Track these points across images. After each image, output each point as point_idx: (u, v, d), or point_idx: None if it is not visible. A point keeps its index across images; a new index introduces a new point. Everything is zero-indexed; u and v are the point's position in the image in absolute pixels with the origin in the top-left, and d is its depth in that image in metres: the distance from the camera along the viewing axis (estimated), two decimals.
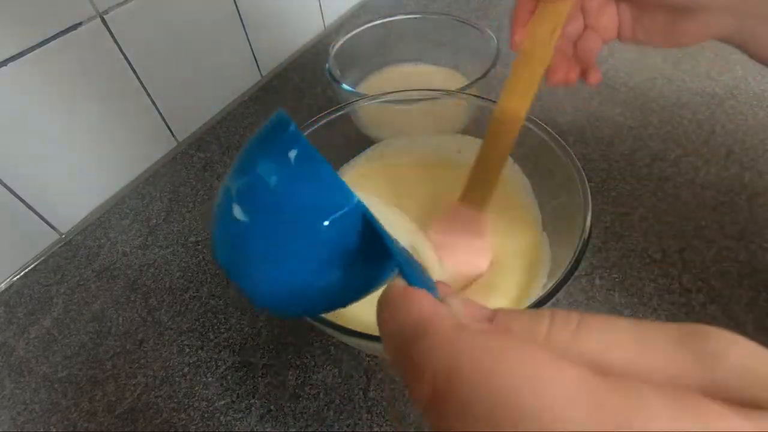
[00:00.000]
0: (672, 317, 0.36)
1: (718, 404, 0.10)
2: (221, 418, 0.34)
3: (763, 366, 0.10)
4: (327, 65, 0.46)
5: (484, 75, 0.43)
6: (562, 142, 0.32)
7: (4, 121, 0.39)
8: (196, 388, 0.35)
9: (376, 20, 0.51)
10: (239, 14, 0.57)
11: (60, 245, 0.46)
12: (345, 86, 0.43)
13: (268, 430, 0.33)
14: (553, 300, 0.25)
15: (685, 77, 0.56)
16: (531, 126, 0.34)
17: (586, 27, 0.32)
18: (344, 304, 0.19)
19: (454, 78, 0.52)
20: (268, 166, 0.16)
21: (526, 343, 0.11)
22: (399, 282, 0.14)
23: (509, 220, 0.35)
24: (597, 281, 0.38)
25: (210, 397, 0.35)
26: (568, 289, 0.38)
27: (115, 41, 0.45)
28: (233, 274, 0.19)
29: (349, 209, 0.16)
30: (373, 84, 0.53)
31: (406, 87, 0.38)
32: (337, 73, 0.47)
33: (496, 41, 0.47)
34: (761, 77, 0.54)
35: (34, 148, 0.42)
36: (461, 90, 0.42)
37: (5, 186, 0.41)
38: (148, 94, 0.50)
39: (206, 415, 0.34)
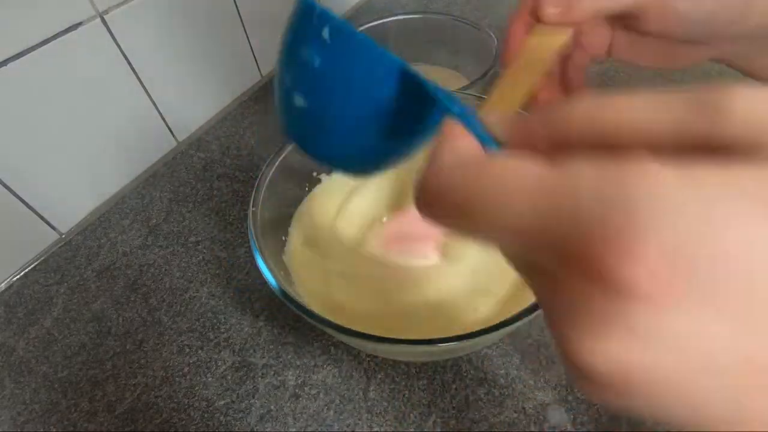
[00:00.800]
0: None
1: (649, 160, 0.10)
2: (221, 418, 0.34)
3: None
4: None
5: (484, 75, 0.43)
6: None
7: (4, 121, 0.39)
8: (196, 388, 0.35)
9: (376, 20, 0.51)
10: (239, 14, 0.57)
11: (60, 245, 0.46)
12: None
13: (268, 430, 0.33)
14: None
15: (685, 77, 0.56)
16: None
17: (575, 45, 0.30)
18: (405, 154, 0.21)
19: (454, 78, 0.52)
20: (309, 51, 0.18)
21: (503, 159, 0.12)
22: (451, 121, 0.15)
23: None
24: None
25: (210, 397, 0.35)
26: None
27: (115, 41, 0.45)
28: (305, 146, 0.21)
29: (389, 67, 0.18)
30: None
31: None
32: None
33: (496, 41, 0.47)
34: None
35: (34, 148, 0.42)
36: (461, 90, 0.42)
37: (5, 186, 0.41)
38: (148, 94, 0.50)
39: (206, 415, 0.34)
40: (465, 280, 0.32)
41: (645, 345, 0.09)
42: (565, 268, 0.10)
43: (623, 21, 0.28)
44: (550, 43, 0.26)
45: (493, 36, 0.47)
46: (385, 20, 0.52)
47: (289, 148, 0.35)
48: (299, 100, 0.19)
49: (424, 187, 0.14)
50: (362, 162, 0.21)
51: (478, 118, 0.16)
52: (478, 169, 0.12)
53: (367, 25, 0.51)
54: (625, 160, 0.10)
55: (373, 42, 0.17)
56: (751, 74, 0.30)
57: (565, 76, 0.31)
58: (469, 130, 0.15)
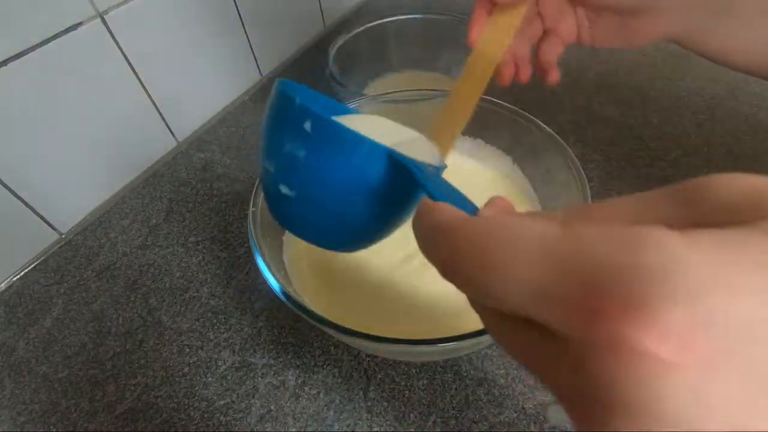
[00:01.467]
0: None
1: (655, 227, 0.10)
2: (221, 418, 0.34)
3: (753, 195, 0.11)
4: (327, 65, 0.46)
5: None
6: (563, 142, 0.32)
7: (4, 121, 0.39)
8: (196, 388, 0.35)
9: (376, 20, 0.51)
10: (239, 14, 0.57)
11: (60, 245, 0.46)
12: (345, 87, 0.43)
13: (268, 430, 0.33)
14: None
15: (685, 77, 0.56)
16: (531, 126, 0.34)
17: (545, 31, 0.34)
18: (395, 227, 0.22)
19: (451, 85, 0.52)
20: (292, 143, 0.18)
21: (511, 217, 0.13)
22: (425, 199, 0.16)
23: None
24: None
25: (210, 397, 0.35)
26: None
27: (115, 41, 0.45)
28: (294, 230, 0.22)
29: (373, 153, 0.18)
30: (374, 90, 0.53)
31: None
32: (337, 73, 0.46)
33: None
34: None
35: (34, 148, 0.42)
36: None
37: (5, 186, 0.41)
38: (148, 94, 0.50)
39: (206, 415, 0.34)
40: None
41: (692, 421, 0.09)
42: (575, 329, 0.10)
43: None
44: (507, 21, 0.30)
45: None
46: (385, 20, 0.52)
47: None
48: (284, 189, 0.19)
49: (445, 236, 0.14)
50: (351, 241, 0.22)
51: (459, 194, 0.18)
52: (496, 223, 0.12)
53: (367, 25, 0.51)
54: (631, 227, 0.10)
55: (356, 132, 0.18)
56: (706, 54, 0.31)
57: (539, 60, 0.34)
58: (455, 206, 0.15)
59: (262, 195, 0.32)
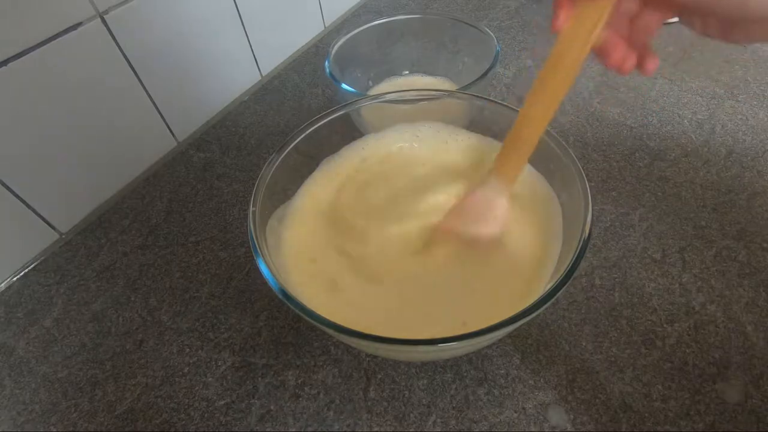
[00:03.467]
0: (672, 317, 0.36)
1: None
2: (221, 418, 0.34)
3: None
4: (327, 65, 0.46)
5: (484, 75, 0.43)
6: (563, 142, 0.32)
7: (4, 121, 0.39)
8: (196, 388, 0.35)
9: (376, 20, 0.51)
10: (239, 14, 0.57)
11: (60, 245, 0.46)
12: (345, 86, 0.43)
13: (268, 430, 0.33)
14: (553, 300, 0.25)
15: (685, 77, 0.56)
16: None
17: (644, 4, 0.28)
18: None
19: (450, 88, 0.52)
20: None
21: None
22: None
23: (531, 213, 0.35)
24: (597, 281, 0.38)
25: (210, 397, 0.35)
26: (568, 289, 0.38)
27: (115, 41, 0.45)
28: None
29: None
30: (383, 88, 0.53)
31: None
32: (337, 73, 0.46)
33: (496, 41, 0.47)
34: (761, 77, 0.54)
35: (34, 148, 0.42)
36: (461, 90, 0.42)
37: (5, 186, 0.41)
38: (148, 94, 0.50)
39: (206, 415, 0.34)
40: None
41: None
42: None
43: None
44: (599, 6, 0.26)
45: (493, 36, 0.47)
46: (384, 20, 0.52)
47: (289, 148, 0.35)
48: None
49: None
50: None
51: None
52: None
53: (366, 25, 0.51)
54: None
55: None
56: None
57: (633, 39, 0.30)
58: None
59: (262, 195, 0.32)
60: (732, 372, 0.33)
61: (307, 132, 0.36)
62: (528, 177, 0.36)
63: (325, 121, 0.37)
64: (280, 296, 0.27)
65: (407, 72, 0.55)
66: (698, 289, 0.37)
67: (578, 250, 0.26)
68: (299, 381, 0.35)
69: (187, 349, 0.37)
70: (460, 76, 0.53)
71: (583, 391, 0.33)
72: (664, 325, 0.35)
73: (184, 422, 0.34)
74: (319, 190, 0.38)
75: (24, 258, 0.45)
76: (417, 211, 0.35)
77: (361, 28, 0.51)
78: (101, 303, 0.41)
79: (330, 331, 0.25)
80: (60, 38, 0.40)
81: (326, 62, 0.46)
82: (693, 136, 0.49)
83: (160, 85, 0.50)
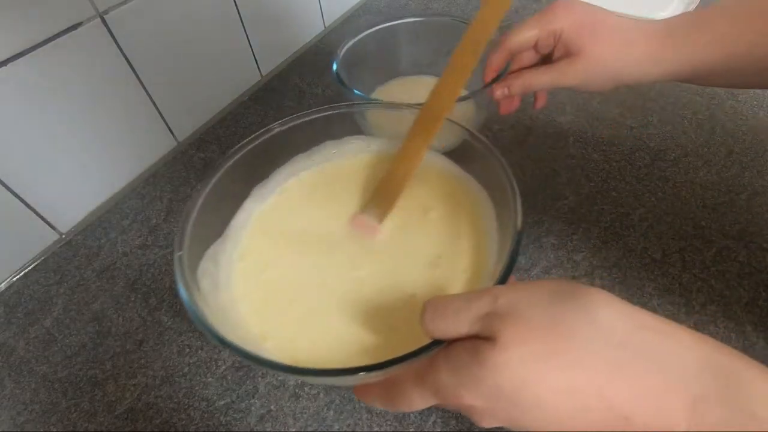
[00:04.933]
0: (672, 317, 0.36)
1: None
2: (221, 418, 0.34)
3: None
4: (334, 69, 0.45)
5: (491, 84, 0.42)
6: (482, 138, 0.31)
7: (4, 121, 0.39)
8: (196, 388, 0.35)
9: (383, 23, 0.51)
10: (239, 14, 0.57)
11: (60, 245, 0.46)
12: (356, 91, 0.42)
13: (268, 430, 0.33)
14: None
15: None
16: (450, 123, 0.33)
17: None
18: None
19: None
20: None
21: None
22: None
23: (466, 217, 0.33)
24: (597, 281, 0.38)
25: (210, 397, 0.35)
26: None
27: (115, 41, 0.45)
28: None
29: None
30: (382, 95, 0.52)
31: (414, 96, 0.37)
32: (345, 76, 0.46)
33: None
34: None
35: (35, 148, 0.42)
36: (469, 95, 0.42)
37: (5, 186, 0.41)
38: (148, 94, 0.50)
39: (206, 415, 0.34)
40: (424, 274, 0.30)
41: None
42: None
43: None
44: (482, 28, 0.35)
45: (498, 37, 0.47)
46: (389, 24, 0.51)
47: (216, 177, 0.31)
48: None
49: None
50: None
51: None
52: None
53: (375, 29, 0.50)
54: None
55: None
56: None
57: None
58: None
59: (188, 236, 0.29)
60: None
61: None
62: (456, 182, 0.34)
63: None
64: (216, 342, 0.24)
65: (413, 76, 0.54)
66: (698, 289, 0.37)
67: (513, 244, 0.25)
68: (299, 381, 0.35)
69: (187, 349, 0.37)
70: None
71: None
72: None
73: (184, 422, 0.34)
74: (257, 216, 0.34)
75: (24, 258, 0.45)
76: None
77: (367, 32, 0.50)
78: (101, 303, 0.41)
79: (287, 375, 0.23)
80: (60, 38, 0.40)
81: (333, 65, 0.46)
82: (693, 136, 0.49)
83: (160, 85, 0.50)
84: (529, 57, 0.39)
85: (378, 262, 0.31)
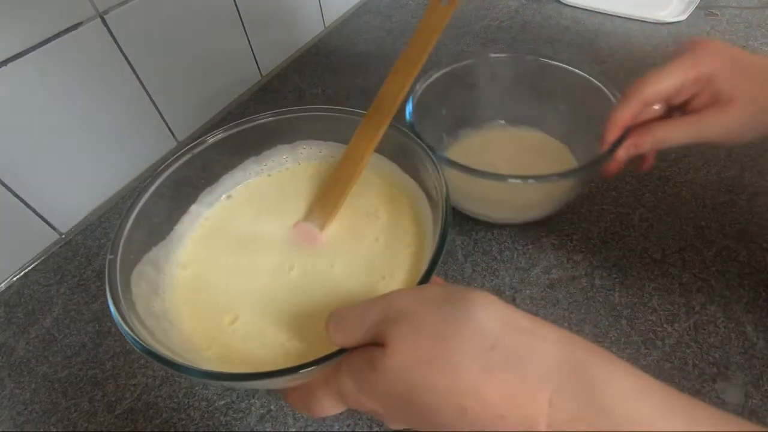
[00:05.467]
0: (672, 317, 0.36)
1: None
2: (221, 418, 0.34)
3: None
4: (408, 111, 0.39)
5: (598, 161, 0.35)
6: (407, 131, 0.31)
7: (4, 121, 0.39)
8: (196, 388, 0.35)
9: (463, 60, 0.43)
10: (239, 14, 0.57)
11: (60, 245, 0.46)
12: (439, 153, 0.35)
13: (268, 430, 0.33)
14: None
15: None
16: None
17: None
18: None
19: (559, 153, 0.45)
20: None
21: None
22: None
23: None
24: (597, 281, 0.38)
25: (210, 397, 0.35)
26: (569, 290, 0.38)
27: (115, 41, 0.45)
28: None
29: None
30: (464, 144, 0.46)
31: (501, 153, 0.35)
32: (416, 122, 0.38)
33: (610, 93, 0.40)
34: None
35: (34, 148, 0.42)
36: (566, 174, 0.36)
37: (5, 186, 0.41)
38: (148, 94, 0.50)
39: (206, 415, 0.34)
40: (359, 275, 0.30)
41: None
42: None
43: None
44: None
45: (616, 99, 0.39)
46: (470, 61, 0.44)
47: (148, 194, 0.30)
48: None
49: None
50: None
51: None
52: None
53: (453, 66, 0.43)
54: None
55: None
56: None
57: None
58: None
59: (123, 239, 0.28)
60: (732, 372, 0.33)
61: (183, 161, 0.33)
62: (398, 186, 0.34)
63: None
64: (146, 355, 0.23)
65: (503, 121, 0.47)
66: (698, 289, 0.37)
67: (439, 237, 0.25)
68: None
69: None
70: (555, 128, 0.45)
71: None
72: (664, 325, 0.35)
73: (184, 422, 0.34)
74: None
75: (24, 258, 0.45)
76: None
77: (447, 69, 0.43)
78: (101, 303, 0.41)
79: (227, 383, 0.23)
80: (60, 38, 0.40)
81: (405, 107, 0.39)
82: None
83: (160, 84, 0.50)
84: (653, 109, 0.35)
85: (316, 270, 0.30)
